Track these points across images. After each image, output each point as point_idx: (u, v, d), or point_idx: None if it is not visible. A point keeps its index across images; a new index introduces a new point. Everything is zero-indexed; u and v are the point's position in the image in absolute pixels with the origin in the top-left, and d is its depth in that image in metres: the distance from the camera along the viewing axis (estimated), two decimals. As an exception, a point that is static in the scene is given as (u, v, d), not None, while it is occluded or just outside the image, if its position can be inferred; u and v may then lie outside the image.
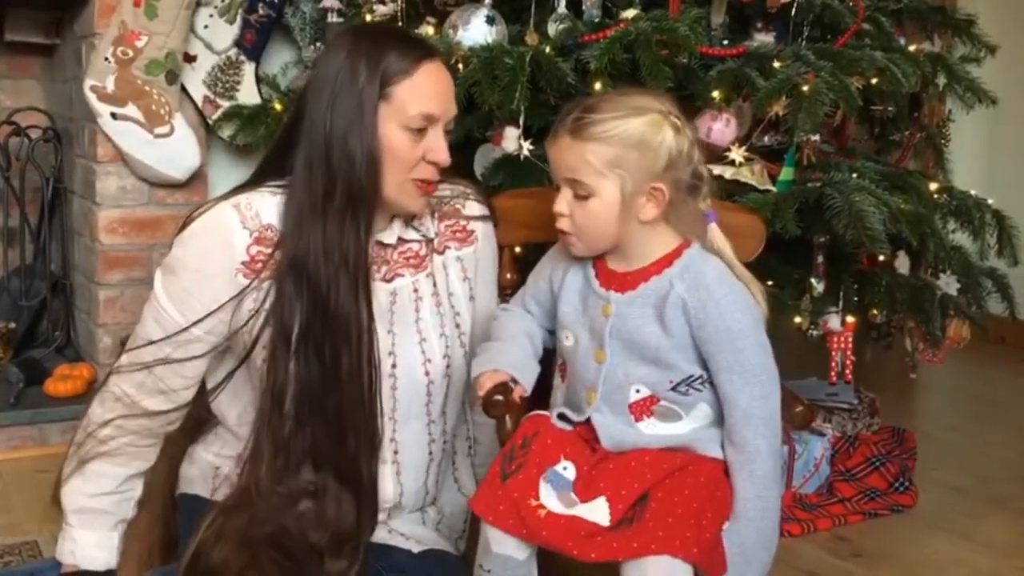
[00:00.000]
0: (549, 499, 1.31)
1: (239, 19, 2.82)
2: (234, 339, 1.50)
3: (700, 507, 1.28)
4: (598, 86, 1.95)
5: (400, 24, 2.35)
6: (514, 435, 1.41)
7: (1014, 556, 2.19)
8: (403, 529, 1.56)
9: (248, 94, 2.85)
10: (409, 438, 1.55)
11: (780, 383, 1.35)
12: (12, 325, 2.95)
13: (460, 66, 2.06)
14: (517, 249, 1.75)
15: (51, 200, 3.03)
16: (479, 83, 1.97)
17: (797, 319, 2.08)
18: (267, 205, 1.49)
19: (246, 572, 1.36)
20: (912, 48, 2.30)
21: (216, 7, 2.79)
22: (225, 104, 2.82)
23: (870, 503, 2.41)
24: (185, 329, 1.48)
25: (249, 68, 2.86)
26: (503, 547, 1.32)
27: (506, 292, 1.68)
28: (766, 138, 2.09)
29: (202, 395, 1.59)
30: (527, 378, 1.42)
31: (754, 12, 2.20)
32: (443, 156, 1.47)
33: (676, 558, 1.23)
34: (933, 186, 2.26)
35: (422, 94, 1.44)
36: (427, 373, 1.54)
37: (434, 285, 1.57)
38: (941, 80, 2.35)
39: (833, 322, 2.13)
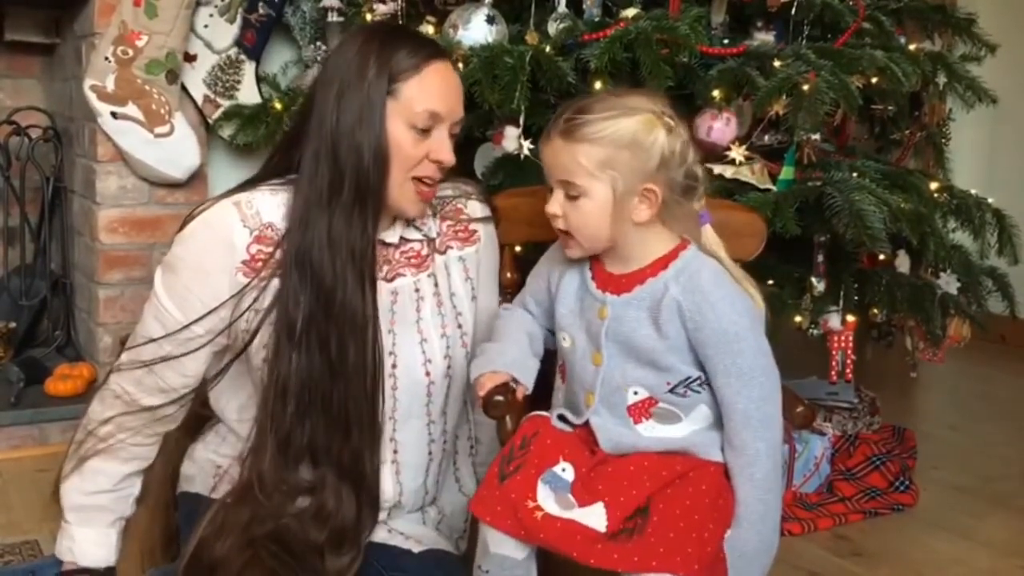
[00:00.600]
0: (547, 501, 1.31)
1: (239, 18, 2.82)
2: (233, 337, 1.50)
3: (702, 519, 1.28)
4: (598, 85, 1.95)
5: (400, 23, 2.35)
6: (514, 436, 1.40)
7: (1014, 555, 2.19)
8: (403, 529, 1.56)
9: (248, 93, 2.85)
10: (409, 438, 1.55)
11: (780, 384, 1.35)
12: (12, 324, 2.95)
13: (460, 65, 2.06)
14: (517, 248, 1.75)
15: (51, 199, 3.04)
16: (479, 82, 1.97)
17: (797, 318, 2.08)
18: (268, 204, 1.49)
19: (247, 569, 1.36)
20: (912, 47, 2.30)
21: (216, 6, 2.79)
22: (225, 103, 2.82)
23: (870, 502, 2.41)
24: (185, 327, 1.48)
25: (249, 67, 2.86)
26: (501, 547, 1.32)
27: (506, 291, 1.68)
28: (766, 137, 2.09)
29: (202, 390, 1.59)
30: (527, 377, 1.42)
31: (754, 11, 2.20)
32: (447, 156, 1.47)
33: (677, 575, 1.23)
34: (933, 185, 2.26)
35: (429, 92, 1.44)
36: (428, 373, 1.54)
37: (435, 285, 1.57)
38: (941, 79, 2.35)
39: (833, 321, 2.13)
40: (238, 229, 1.47)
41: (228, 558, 1.37)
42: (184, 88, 2.76)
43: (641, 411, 1.35)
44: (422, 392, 1.54)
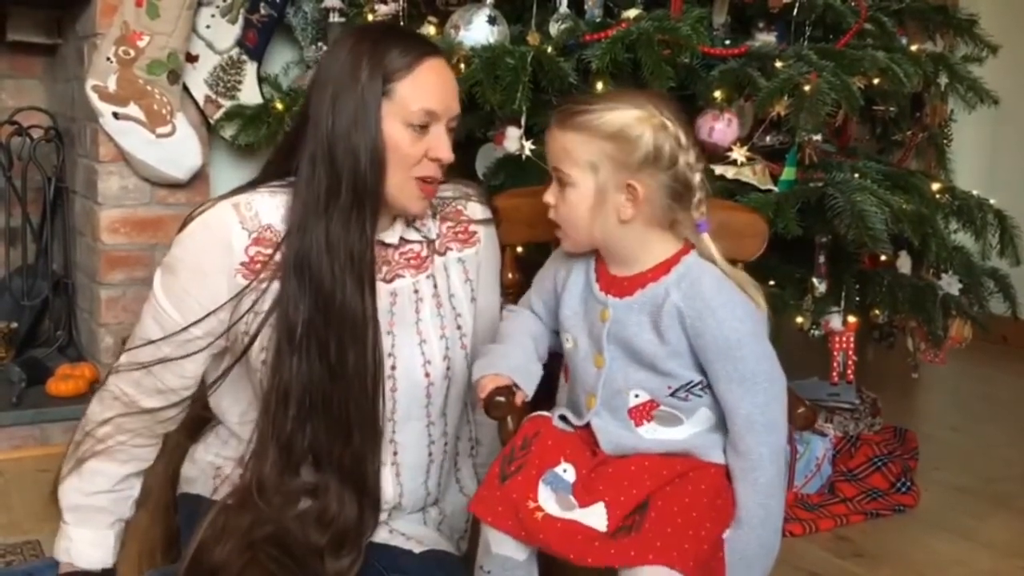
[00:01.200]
0: (547, 502, 1.31)
1: (241, 19, 2.82)
2: (232, 339, 1.50)
3: (699, 517, 1.28)
4: (600, 86, 1.95)
5: (402, 24, 2.35)
6: (515, 436, 1.40)
7: (1016, 556, 2.19)
8: (404, 529, 1.56)
9: (250, 94, 2.85)
10: (408, 439, 1.55)
11: (786, 387, 1.34)
12: (14, 325, 2.96)
13: (462, 66, 2.06)
14: (519, 249, 1.75)
15: (53, 200, 3.04)
16: (481, 83, 1.97)
17: (799, 319, 2.08)
18: (267, 205, 1.49)
19: (246, 571, 1.36)
20: (914, 48, 2.30)
21: (218, 7, 2.79)
22: (227, 104, 2.82)
23: (872, 503, 2.41)
24: (184, 329, 1.48)
25: (251, 68, 2.86)
26: (503, 548, 1.32)
27: (508, 292, 1.68)
28: (768, 138, 2.08)
29: (202, 392, 1.59)
30: (528, 383, 1.41)
31: (756, 12, 2.20)
32: (445, 153, 1.47)
33: (673, 570, 1.23)
34: (935, 186, 2.25)
35: (423, 90, 1.44)
36: (427, 375, 1.54)
37: (435, 286, 1.57)
38: (943, 80, 2.35)
39: (835, 322, 2.13)
40: (236, 231, 1.47)
41: (228, 562, 1.37)
42: (186, 88, 2.76)
43: (642, 414, 1.35)
44: (421, 393, 1.54)
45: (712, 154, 1.99)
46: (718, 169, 1.97)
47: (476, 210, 1.64)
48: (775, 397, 1.32)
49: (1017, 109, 3.49)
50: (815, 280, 2.06)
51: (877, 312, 2.23)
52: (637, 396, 1.35)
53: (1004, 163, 4.19)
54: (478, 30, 2.18)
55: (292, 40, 2.95)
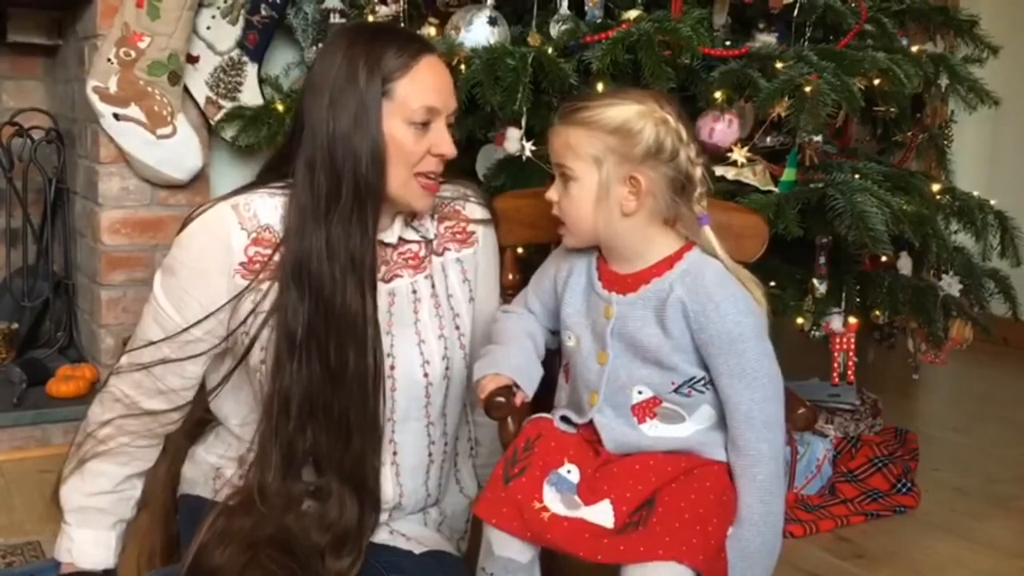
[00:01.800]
0: (553, 502, 1.31)
1: (241, 20, 2.82)
2: (233, 340, 1.50)
3: (706, 513, 1.28)
4: (600, 87, 1.95)
5: (402, 25, 2.35)
6: (517, 438, 1.41)
7: (1016, 556, 2.19)
8: (404, 530, 1.56)
9: (250, 95, 2.86)
10: (408, 440, 1.55)
11: (783, 386, 1.35)
12: (15, 326, 2.96)
13: (462, 67, 2.06)
14: (519, 250, 1.75)
15: (53, 201, 3.04)
16: (481, 84, 1.97)
17: (799, 320, 2.08)
18: (266, 206, 1.49)
19: (247, 572, 1.36)
20: (914, 49, 2.30)
21: (218, 8, 2.79)
22: (227, 105, 2.82)
23: (872, 504, 2.41)
24: (184, 330, 1.48)
25: (251, 69, 2.86)
26: (506, 550, 1.32)
27: (508, 292, 1.68)
28: (768, 139, 2.08)
29: (203, 396, 1.59)
30: (529, 383, 1.41)
31: (756, 13, 2.19)
32: (448, 148, 1.48)
33: (682, 564, 1.23)
34: (935, 187, 2.25)
35: (423, 88, 1.44)
36: (426, 375, 1.54)
37: (433, 287, 1.57)
38: (943, 81, 2.35)
39: (835, 323, 2.13)
40: (236, 231, 1.47)
41: (228, 564, 1.37)
42: (186, 89, 2.76)
43: (645, 410, 1.36)
44: (420, 394, 1.54)
45: (713, 155, 1.99)
46: (719, 170, 1.97)
47: (475, 211, 1.64)
48: (774, 394, 1.33)
49: (1018, 110, 3.49)
50: (816, 281, 2.06)
51: (878, 313, 2.23)
52: (640, 392, 1.35)
53: (1004, 164, 4.19)
54: (479, 31, 2.18)
55: (293, 41, 2.95)
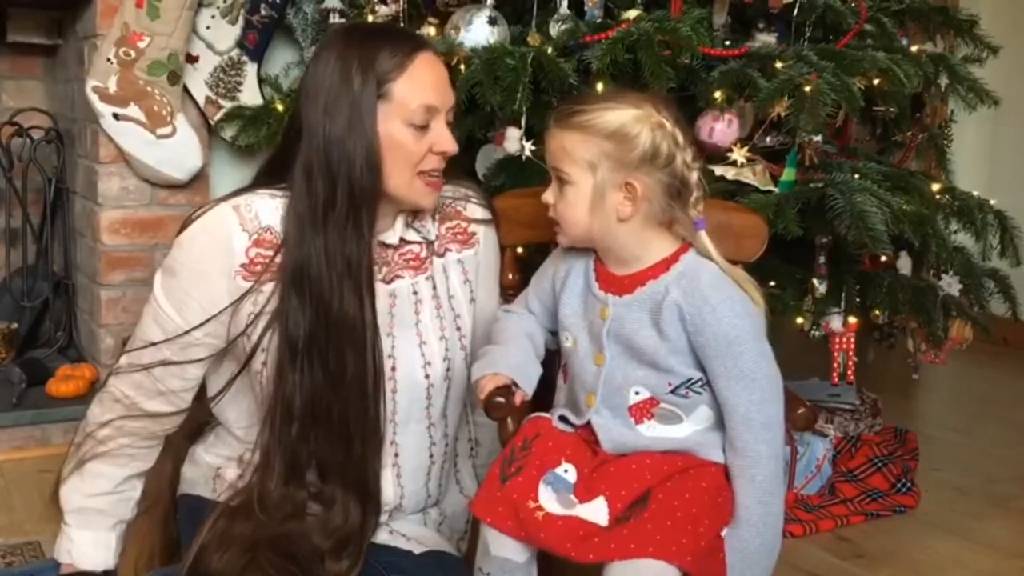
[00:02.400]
0: (548, 501, 1.31)
1: (241, 20, 2.82)
2: (233, 342, 1.50)
3: (698, 513, 1.28)
4: (600, 87, 1.95)
5: (402, 25, 2.35)
6: (515, 437, 1.41)
7: (1016, 556, 2.19)
8: (404, 530, 1.56)
9: (250, 95, 2.85)
10: (409, 441, 1.55)
11: (783, 386, 1.35)
12: (14, 325, 2.96)
13: (462, 67, 2.06)
14: (519, 250, 1.75)
15: (53, 201, 3.04)
16: (481, 84, 1.97)
17: (799, 320, 2.08)
18: (267, 207, 1.48)
19: (246, 574, 1.36)
20: (914, 48, 2.30)
21: (218, 8, 2.79)
22: (227, 105, 2.82)
23: (872, 504, 2.41)
24: (185, 333, 1.48)
25: (251, 69, 2.86)
26: (502, 550, 1.32)
27: (508, 292, 1.68)
28: (768, 139, 2.08)
29: (203, 396, 1.59)
30: (528, 382, 1.42)
31: (756, 12, 2.19)
32: (450, 145, 1.47)
33: (670, 564, 1.23)
34: (935, 187, 2.25)
35: (420, 86, 1.43)
36: (427, 376, 1.54)
37: (434, 288, 1.57)
38: (943, 81, 2.35)
39: (835, 323, 2.13)
40: (237, 233, 1.47)
41: (228, 567, 1.36)
42: (186, 89, 2.76)
43: (642, 411, 1.36)
44: (421, 395, 1.54)
45: (712, 155, 1.99)
46: (718, 170, 1.97)
47: (476, 211, 1.64)
48: (772, 395, 1.32)
49: (1017, 110, 3.50)
50: (815, 281, 2.06)
51: (877, 313, 2.23)
52: (637, 393, 1.35)
53: (1004, 164, 4.19)
54: (478, 31, 2.18)
55: (292, 41, 2.95)
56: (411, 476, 1.56)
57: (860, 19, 2.22)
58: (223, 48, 2.82)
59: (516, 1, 2.28)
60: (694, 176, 1.34)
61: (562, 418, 1.42)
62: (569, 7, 2.19)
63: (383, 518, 1.53)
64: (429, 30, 2.32)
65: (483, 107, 2.01)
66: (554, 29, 2.15)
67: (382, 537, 1.52)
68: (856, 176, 2.03)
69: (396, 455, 1.54)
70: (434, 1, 2.40)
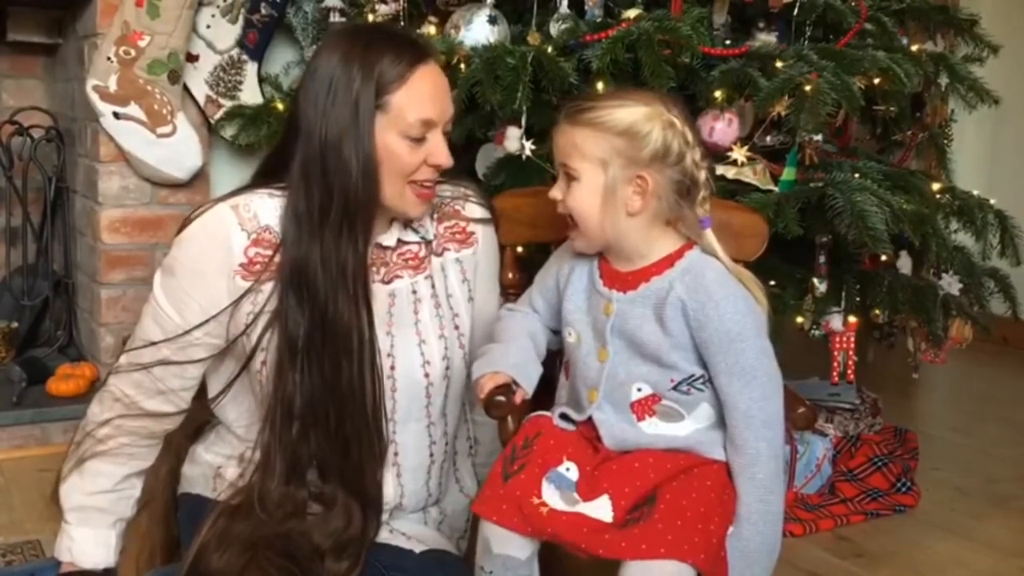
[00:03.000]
0: (552, 498, 1.31)
1: (241, 19, 2.82)
2: (234, 342, 1.50)
3: (707, 511, 1.28)
4: (600, 86, 1.95)
5: (402, 24, 2.35)
6: (516, 436, 1.41)
7: (1016, 556, 2.19)
8: (405, 529, 1.56)
9: (250, 94, 2.86)
10: (409, 440, 1.55)
11: (783, 384, 1.35)
12: (15, 324, 2.96)
13: (462, 66, 2.06)
14: (519, 249, 1.75)
15: (53, 200, 3.04)
16: (481, 83, 1.97)
17: (799, 319, 2.08)
18: (266, 207, 1.48)
19: (246, 573, 1.36)
20: (915, 48, 2.30)
21: (218, 7, 2.79)
22: (227, 104, 2.83)
23: (872, 503, 2.41)
24: (185, 333, 1.48)
25: (251, 68, 2.86)
26: (505, 547, 1.32)
27: (509, 292, 1.68)
28: (768, 138, 2.08)
29: (203, 396, 1.59)
30: (528, 381, 1.42)
31: (756, 12, 2.19)
32: (445, 159, 1.47)
33: (684, 563, 1.23)
34: (935, 186, 2.26)
35: (419, 100, 1.43)
36: (426, 375, 1.54)
37: (433, 287, 1.57)
38: (943, 80, 2.35)
39: (835, 322, 2.13)
40: (235, 232, 1.46)
41: (229, 566, 1.37)
42: (186, 88, 2.76)
43: (644, 408, 1.36)
44: (421, 394, 1.54)
45: (712, 154, 1.99)
46: (719, 169, 1.97)
47: (474, 210, 1.63)
48: (773, 393, 1.33)
49: (1018, 109, 3.49)
50: (815, 280, 2.06)
51: (877, 312, 2.23)
52: (640, 390, 1.35)
53: (1004, 163, 4.19)
54: (478, 30, 2.18)
55: (292, 40, 2.95)
56: (411, 475, 1.56)
57: (860, 18, 2.22)
58: (223, 47, 2.82)
59: (516, 0, 2.28)
60: (703, 175, 1.35)
61: (563, 416, 1.42)
62: (569, 6, 2.19)
63: (383, 517, 1.53)
64: (429, 29, 2.32)
65: (483, 106, 2.01)
66: (554, 28, 2.15)
67: (382, 536, 1.52)
68: (856, 175, 2.03)
69: (396, 454, 1.54)
70: (434, 0, 2.40)
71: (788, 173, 2.02)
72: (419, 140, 1.44)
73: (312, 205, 1.42)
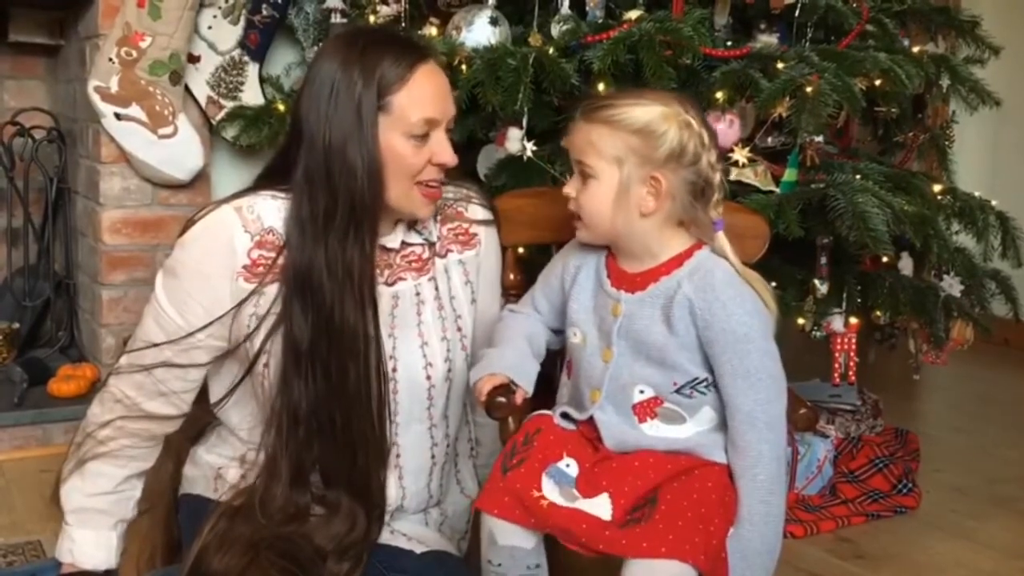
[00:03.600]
0: (551, 493, 1.32)
1: (243, 20, 2.82)
2: (236, 340, 1.50)
3: (708, 513, 1.28)
4: (601, 87, 1.95)
5: (403, 25, 2.35)
6: (516, 433, 1.41)
7: (1017, 557, 2.19)
8: (406, 530, 1.56)
9: (252, 95, 2.86)
10: (410, 442, 1.55)
11: (787, 388, 1.35)
12: (16, 325, 2.96)
13: (463, 67, 2.06)
14: (520, 250, 1.75)
15: (55, 200, 3.04)
16: (482, 84, 1.97)
17: (800, 320, 2.08)
18: (269, 209, 1.48)
19: (247, 574, 1.36)
20: (916, 49, 2.30)
21: (220, 8, 2.79)
22: (229, 105, 2.82)
23: (873, 504, 2.40)
24: (189, 335, 1.48)
25: (253, 69, 2.86)
26: (510, 539, 1.33)
27: (510, 293, 1.68)
28: (769, 139, 2.08)
29: (204, 399, 1.59)
30: (526, 380, 1.42)
31: (757, 13, 2.20)
32: (449, 157, 1.47)
33: (685, 563, 1.23)
34: (937, 187, 2.26)
35: (421, 99, 1.43)
36: (428, 376, 1.54)
37: (436, 289, 1.57)
38: (945, 81, 2.35)
39: (836, 323, 2.13)
40: (239, 234, 1.46)
41: (229, 568, 1.37)
42: (188, 89, 2.76)
43: (646, 410, 1.36)
44: (423, 395, 1.54)
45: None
46: (720, 170, 1.97)
47: (477, 212, 1.64)
48: (777, 396, 1.32)
49: (1019, 111, 3.49)
50: (817, 281, 2.06)
51: (879, 313, 2.23)
52: (642, 392, 1.36)
53: (1006, 164, 4.19)
54: (480, 31, 2.18)
55: (294, 41, 2.95)
56: (413, 477, 1.56)
57: (862, 20, 2.22)
58: (225, 48, 2.82)
59: (517, 1, 2.28)
60: (718, 177, 1.35)
61: (564, 415, 1.42)
62: (570, 7, 2.19)
63: (384, 518, 1.53)
64: (430, 30, 2.32)
65: (484, 107, 2.01)
66: (555, 29, 2.15)
67: (383, 537, 1.52)
68: (857, 177, 2.03)
69: (398, 456, 1.54)
70: (435, 1, 2.40)
71: (789, 174, 2.02)
72: (423, 140, 1.44)
73: (317, 209, 1.42)
